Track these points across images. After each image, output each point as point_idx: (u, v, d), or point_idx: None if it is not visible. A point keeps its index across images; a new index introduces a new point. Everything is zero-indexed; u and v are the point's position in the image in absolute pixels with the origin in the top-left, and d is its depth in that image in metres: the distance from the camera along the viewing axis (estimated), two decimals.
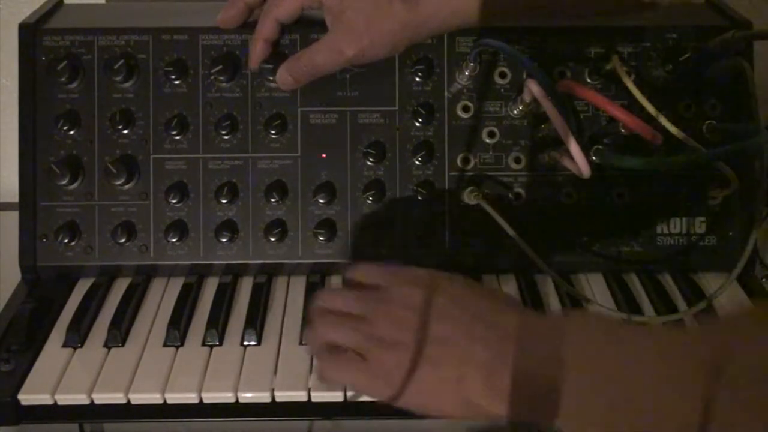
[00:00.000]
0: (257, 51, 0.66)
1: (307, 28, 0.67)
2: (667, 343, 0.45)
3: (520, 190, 0.68)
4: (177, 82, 0.67)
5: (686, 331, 0.49)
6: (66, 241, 0.66)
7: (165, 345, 0.62)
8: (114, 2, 0.88)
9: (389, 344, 0.51)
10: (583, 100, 0.66)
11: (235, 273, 0.69)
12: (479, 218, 0.68)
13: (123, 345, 0.62)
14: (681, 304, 0.66)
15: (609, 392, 0.44)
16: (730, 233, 0.69)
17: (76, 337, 0.61)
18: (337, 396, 0.57)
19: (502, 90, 0.69)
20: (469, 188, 0.68)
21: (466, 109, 0.68)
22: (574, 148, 0.60)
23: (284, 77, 0.65)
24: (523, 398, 0.47)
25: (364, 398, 0.57)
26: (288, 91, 0.68)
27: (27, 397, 0.57)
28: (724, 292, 0.65)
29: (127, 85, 0.68)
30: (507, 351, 0.48)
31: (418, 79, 0.68)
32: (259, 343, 0.62)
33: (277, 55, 0.67)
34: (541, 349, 0.47)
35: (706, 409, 0.39)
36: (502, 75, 0.68)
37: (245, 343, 0.62)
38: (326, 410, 0.58)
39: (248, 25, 0.68)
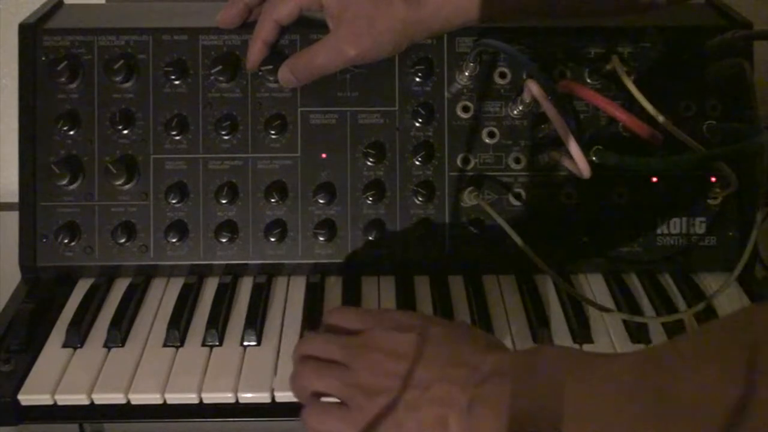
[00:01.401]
0: (255, 52, 0.66)
1: (307, 28, 0.67)
2: (634, 366, 0.44)
3: (520, 190, 0.68)
4: (177, 82, 0.67)
5: (712, 325, 0.48)
6: (66, 241, 0.66)
7: (165, 345, 0.62)
8: (114, 2, 0.88)
9: (371, 392, 0.51)
10: (583, 100, 0.66)
11: (235, 273, 0.69)
12: (479, 218, 0.68)
13: (123, 345, 0.62)
14: (681, 304, 0.66)
15: (583, 420, 0.44)
16: (730, 233, 0.69)
17: (76, 337, 0.61)
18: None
19: (502, 90, 0.69)
20: (469, 188, 0.68)
21: (466, 109, 0.68)
22: (574, 148, 0.60)
23: (286, 76, 0.65)
24: None
25: None
26: (289, 90, 0.68)
27: (27, 397, 0.57)
28: (724, 292, 0.65)
29: (127, 85, 0.68)
30: (485, 392, 0.48)
31: (418, 79, 0.68)
32: (259, 343, 0.62)
33: (277, 55, 0.67)
34: (516, 386, 0.48)
35: (741, 401, 0.38)
36: (502, 75, 0.68)
37: (245, 343, 0.62)
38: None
39: (248, 25, 0.68)
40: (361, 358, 0.53)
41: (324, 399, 0.53)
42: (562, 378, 0.46)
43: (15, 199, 0.67)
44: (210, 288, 0.68)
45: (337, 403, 0.52)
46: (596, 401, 0.44)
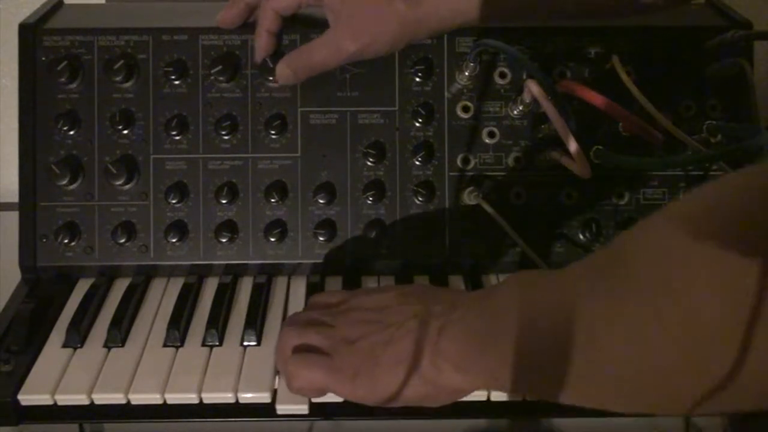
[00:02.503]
0: (262, 43, 0.66)
1: (306, 27, 0.67)
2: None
3: (520, 190, 0.68)
4: (177, 82, 0.67)
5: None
6: (66, 241, 0.66)
7: (165, 345, 0.62)
8: (114, 2, 0.88)
9: (351, 339, 0.53)
10: (583, 100, 0.66)
11: (235, 273, 0.69)
12: (479, 218, 0.68)
13: (123, 345, 0.62)
14: None
15: (527, 341, 0.47)
16: None
17: (76, 337, 0.61)
18: (337, 396, 0.57)
19: (502, 90, 0.69)
20: (469, 188, 0.68)
21: (466, 109, 0.68)
22: (574, 148, 0.60)
23: (284, 71, 0.65)
24: (465, 362, 0.49)
25: None
26: (289, 90, 0.68)
27: (27, 398, 0.57)
28: None
29: (127, 85, 0.68)
30: (452, 319, 0.50)
31: (418, 79, 0.68)
32: (259, 343, 0.62)
33: (278, 55, 0.67)
34: (476, 312, 0.50)
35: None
36: (502, 75, 0.68)
37: (245, 343, 0.61)
38: (326, 410, 0.57)
39: (248, 26, 0.68)
40: (342, 317, 0.55)
41: None
42: (507, 304, 0.49)
43: (15, 199, 0.67)
44: (210, 288, 0.68)
45: (319, 353, 0.53)
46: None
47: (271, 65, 0.66)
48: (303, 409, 0.56)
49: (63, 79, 0.66)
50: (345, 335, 0.53)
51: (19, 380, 0.58)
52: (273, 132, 0.67)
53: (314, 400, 0.56)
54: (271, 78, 0.67)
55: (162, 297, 0.67)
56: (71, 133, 0.67)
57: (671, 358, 0.39)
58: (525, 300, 0.48)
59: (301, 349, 0.54)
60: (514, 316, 0.48)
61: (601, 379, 0.44)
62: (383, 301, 0.55)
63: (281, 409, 0.57)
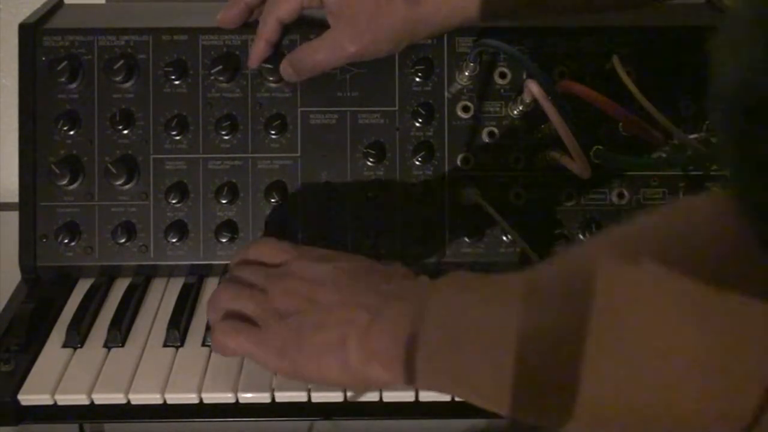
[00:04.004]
0: (258, 51, 0.66)
1: (307, 28, 0.67)
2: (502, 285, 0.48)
3: (520, 190, 0.68)
4: (177, 82, 0.67)
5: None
6: (66, 241, 0.66)
7: (165, 345, 0.62)
8: (114, 2, 0.88)
9: (281, 314, 0.53)
10: (583, 100, 0.66)
11: None
12: (479, 218, 0.68)
13: (123, 345, 0.62)
14: None
15: (449, 344, 0.46)
16: None
17: (76, 337, 0.61)
18: (337, 396, 0.57)
19: (502, 90, 0.69)
20: (469, 188, 0.68)
21: (466, 109, 0.68)
22: (574, 148, 0.60)
23: (286, 70, 0.66)
24: (392, 359, 0.48)
25: (365, 398, 0.58)
26: (289, 90, 0.68)
27: (27, 397, 0.57)
28: None
29: (127, 85, 0.68)
30: (384, 313, 0.50)
31: (418, 79, 0.68)
32: None
33: (278, 56, 0.67)
34: (408, 309, 0.49)
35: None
36: (502, 75, 0.68)
37: None
38: (326, 410, 0.58)
39: (248, 25, 0.68)
40: (278, 283, 0.54)
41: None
42: (443, 305, 0.48)
43: (15, 199, 0.67)
44: (210, 288, 0.68)
45: (249, 323, 0.53)
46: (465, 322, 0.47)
47: (272, 66, 0.66)
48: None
49: (63, 79, 0.66)
50: (276, 307, 0.53)
51: (19, 380, 0.58)
52: (273, 132, 0.67)
53: (314, 398, 0.56)
54: (271, 78, 0.67)
55: (162, 297, 0.67)
56: (71, 133, 0.67)
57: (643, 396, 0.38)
58: (458, 306, 0.48)
59: (232, 315, 0.54)
60: (437, 319, 0.47)
61: (551, 404, 0.43)
62: (321, 275, 0.54)
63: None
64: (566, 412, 0.40)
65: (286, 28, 0.67)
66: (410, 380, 0.48)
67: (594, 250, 0.44)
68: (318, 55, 0.64)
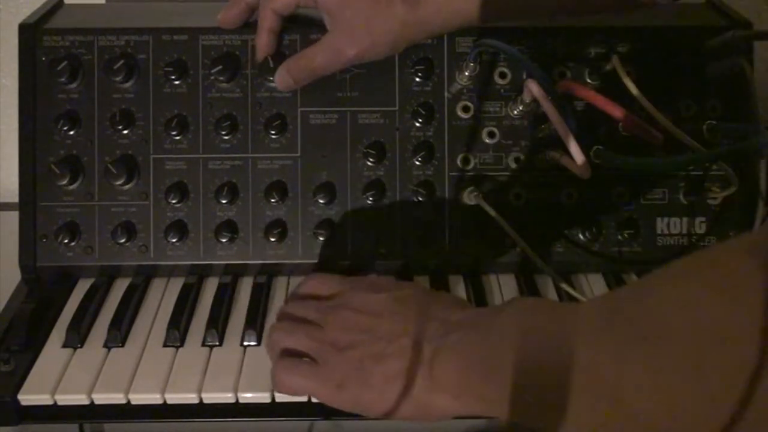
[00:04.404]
0: (263, 43, 0.66)
1: (306, 28, 0.67)
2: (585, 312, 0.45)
3: (520, 190, 0.68)
4: (177, 82, 0.67)
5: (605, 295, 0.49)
6: (66, 241, 0.66)
7: (165, 345, 0.62)
8: (114, 2, 0.88)
9: (339, 347, 0.52)
10: (583, 100, 0.66)
11: (235, 273, 0.69)
12: (479, 218, 0.68)
13: (123, 345, 0.62)
14: None
15: (530, 374, 0.44)
16: (730, 233, 0.69)
17: (76, 337, 0.61)
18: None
19: (502, 90, 0.68)
20: (469, 188, 0.68)
21: (466, 109, 0.68)
22: (574, 148, 0.60)
23: (284, 78, 0.65)
24: (461, 388, 0.47)
25: None
26: (288, 91, 0.68)
27: (27, 397, 0.57)
28: None
29: (127, 85, 0.68)
30: (447, 342, 0.49)
31: (418, 79, 0.68)
32: (259, 344, 0.62)
33: (278, 56, 0.67)
34: (474, 336, 0.48)
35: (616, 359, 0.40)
36: (502, 75, 0.68)
37: (245, 343, 0.62)
38: (326, 410, 0.57)
39: (248, 25, 0.68)
40: (333, 316, 0.54)
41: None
42: (517, 334, 0.46)
43: (15, 199, 0.67)
44: (210, 288, 0.68)
45: (306, 359, 0.53)
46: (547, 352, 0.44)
47: (272, 65, 0.66)
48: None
49: (63, 79, 0.66)
50: (333, 340, 0.53)
51: (19, 380, 0.58)
52: (273, 132, 0.67)
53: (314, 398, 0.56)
54: (271, 78, 0.67)
55: (162, 297, 0.67)
56: (71, 133, 0.67)
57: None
58: (527, 331, 0.46)
59: (290, 353, 0.54)
60: (514, 347, 0.46)
61: (617, 429, 0.41)
62: (376, 305, 0.54)
63: (280, 396, 0.57)
64: None
65: (286, 29, 0.67)
66: (481, 408, 0.47)
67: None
68: (315, 60, 0.64)
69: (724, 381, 0.35)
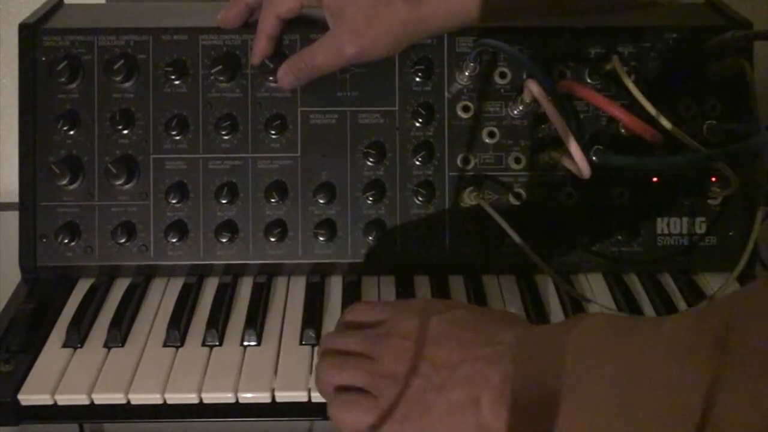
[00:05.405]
0: (260, 48, 0.66)
1: (307, 28, 0.67)
2: (672, 329, 0.42)
3: (520, 190, 0.68)
4: (177, 82, 0.67)
5: (690, 311, 0.46)
6: (66, 241, 0.66)
7: (165, 345, 0.62)
8: (114, 2, 0.88)
9: (396, 378, 0.49)
10: (583, 100, 0.66)
11: (235, 273, 0.69)
12: (479, 218, 0.68)
13: (123, 345, 0.62)
14: (681, 304, 0.66)
15: (613, 393, 0.42)
16: (730, 233, 0.69)
17: (76, 337, 0.61)
18: None
19: (502, 90, 0.69)
20: (469, 188, 0.68)
21: (466, 109, 0.68)
22: (574, 148, 0.60)
23: (285, 76, 0.65)
24: (534, 415, 0.45)
25: None
26: (288, 90, 0.68)
27: (27, 397, 0.57)
28: (724, 292, 0.65)
29: (127, 85, 0.68)
30: (513, 369, 0.46)
31: (418, 79, 0.68)
32: (259, 343, 0.62)
33: (278, 55, 0.67)
34: (543, 360, 0.46)
35: (712, 383, 0.36)
36: (502, 75, 0.68)
37: (245, 343, 0.62)
38: (326, 410, 0.57)
39: (248, 25, 0.68)
40: (383, 346, 0.51)
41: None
42: (593, 353, 0.44)
43: (15, 199, 0.67)
44: (210, 288, 0.68)
45: (363, 393, 0.50)
46: (629, 369, 0.41)
47: (272, 65, 0.66)
48: (302, 395, 0.57)
49: (63, 79, 0.66)
50: (389, 371, 0.50)
51: (19, 380, 0.58)
52: (273, 132, 0.67)
53: (314, 398, 0.56)
54: (271, 78, 0.67)
55: (162, 297, 0.67)
56: (71, 133, 0.67)
57: None
58: (607, 350, 0.43)
59: (343, 389, 0.51)
60: (590, 366, 0.43)
61: None
62: (428, 331, 0.51)
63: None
64: None
65: (287, 28, 0.67)
66: (560, 428, 0.44)
67: None
68: (317, 58, 0.64)
69: None
